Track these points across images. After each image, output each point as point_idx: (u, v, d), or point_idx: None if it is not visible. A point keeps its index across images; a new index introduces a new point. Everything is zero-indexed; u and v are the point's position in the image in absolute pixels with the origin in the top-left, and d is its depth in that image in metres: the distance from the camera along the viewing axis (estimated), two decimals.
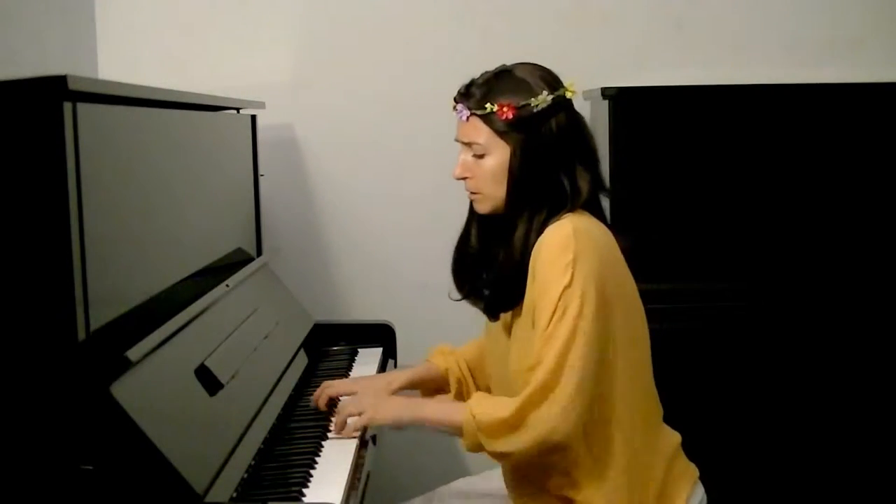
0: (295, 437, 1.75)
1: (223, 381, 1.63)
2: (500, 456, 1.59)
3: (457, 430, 1.61)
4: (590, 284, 1.54)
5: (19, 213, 1.26)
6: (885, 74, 2.65)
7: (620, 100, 2.43)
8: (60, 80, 1.21)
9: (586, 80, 2.40)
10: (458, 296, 1.81)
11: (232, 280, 1.95)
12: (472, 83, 1.68)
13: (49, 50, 2.33)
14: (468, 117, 1.66)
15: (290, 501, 1.48)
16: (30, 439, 1.30)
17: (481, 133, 1.65)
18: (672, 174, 2.47)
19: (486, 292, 1.74)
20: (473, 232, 1.78)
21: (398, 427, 1.73)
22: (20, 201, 1.26)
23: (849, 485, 2.43)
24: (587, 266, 1.54)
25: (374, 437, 1.86)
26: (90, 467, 1.29)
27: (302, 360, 2.17)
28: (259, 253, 2.38)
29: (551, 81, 1.66)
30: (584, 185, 1.64)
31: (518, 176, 1.63)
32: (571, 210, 1.63)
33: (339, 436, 1.73)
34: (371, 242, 2.75)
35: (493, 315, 1.73)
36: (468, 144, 1.67)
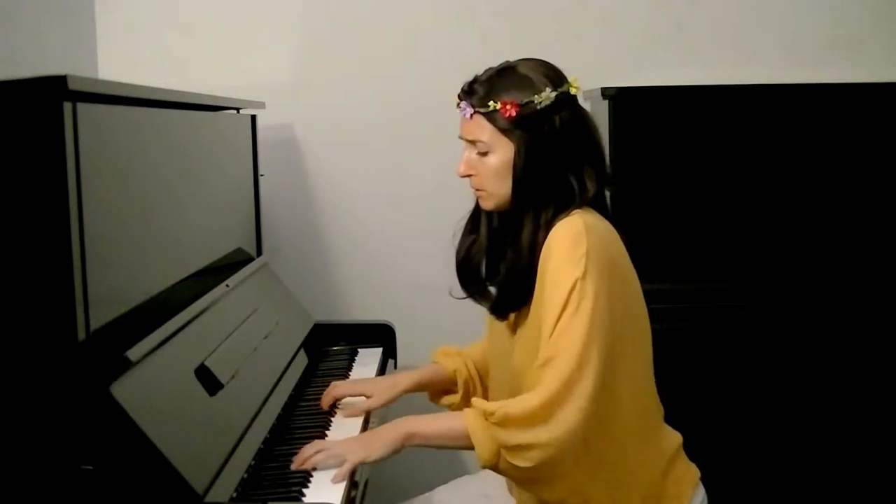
0: (295, 437, 1.75)
1: (223, 381, 1.63)
2: (517, 450, 1.50)
3: (461, 437, 1.54)
4: (602, 277, 1.53)
5: (19, 213, 1.26)
6: (885, 74, 2.65)
7: (620, 100, 2.43)
8: (60, 80, 1.21)
9: (586, 80, 2.36)
10: (461, 294, 1.80)
11: (232, 280, 1.95)
12: (475, 80, 1.67)
13: (49, 50, 2.33)
14: (471, 115, 1.65)
15: (290, 501, 1.47)
16: (30, 439, 1.30)
17: (485, 131, 1.64)
18: (672, 174, 2.47)
19: (494, 291, 1.73)
20: (480, 229, 1.77)
21: (397, 452, 1.60)
22: (20, 201, 1.26)
23: (850, 485, 2.43)
24: (598, 260, 1.53)
25: None
26: (90, 467, 1.28)
27: (302, 360, 2.17)
28: (259, 253, 2.38)
29: (555, 78, 1.64)
30: (590, 182, 1.63)
31: (522, 174, 1.62)
32: (578, 207, 1.61)
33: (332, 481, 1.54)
34: (371, 242, 2.75)
35: (501, 314, 1.71)
36: (472, 142, 1.67)
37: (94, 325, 1.31)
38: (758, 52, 2.70)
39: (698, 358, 2.37)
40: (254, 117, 2.36)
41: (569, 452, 1.53)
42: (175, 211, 1.73)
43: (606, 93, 2.42)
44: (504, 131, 1.62)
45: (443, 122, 2.64)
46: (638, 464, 1.64)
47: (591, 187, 1.63)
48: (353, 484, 1.56)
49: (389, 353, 2.38)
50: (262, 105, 2.39)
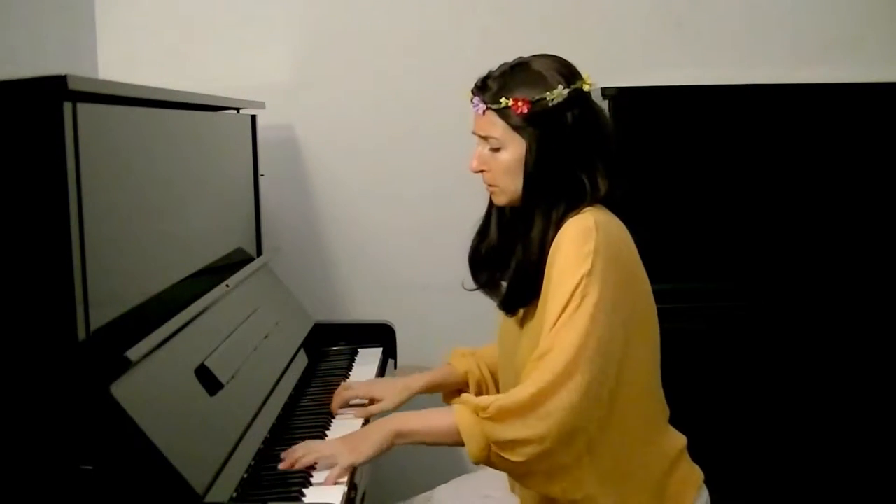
0: (295, 437, 1.75)
1: (223, 381, 1.63)
2: (508, 445, 1.51)
3: (450, 433, 1.54)
4: (609, 275, 1.53)
5: (19, 213, 1.26)
6: (885, 74, 2.65)
7: (620, 100, 2.43)
8: (60, 80, 1.21)
9: None
10: (472, 285, 1.80)
11: (232, 280, 1.95)
12: (488, 76, 1.67)
13: (49, 49, 2.33)
14: (484, 111, 1.65)
15: (290, 501, 1.47)
16: (30, 439, 1.30)
17: (497, 127, 1.64)
18: (672, 174, 2.47)
19: (504, 286, 1.73)
20: (492, 224, 1.77)
21: (387, 451, 1.59)
22: (20, 201, 1.26)
23: (853, 485, 2.43)
24: (607, 258, 1.53)
25: None
26: (90, 467, 1.28)
27: (302, 360, 2.17)
28: (259, 253, 2.38)
29: (568, 75, 1.63)
30: (601, 179, 1.62)
31: (533, 170, 1.62)
32: (589, 205, 1.61)
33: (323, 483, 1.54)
34: (371, 242, 2.75)
35: (510, 310, 1.71)
36: (484, 138, 1.66)
37: (94, 325, 1.31)
38: (758, 52, 2.70)
39: (699, 358, 2.36)
40: (254, 117, 2.36)
41: (561, 447, 1.51)
42: (175, 211, 1.73)
43: (606, 92, 2.42)
44: (516, 128, 1.62)
45: (443, 122, 2.65)
46: (642, 464, 1.63)
47: (602, 185, 1.62)
48: (352, 485, 1.56)
49: (389, 353, 2.38)
50: (262, 105, 2.39)
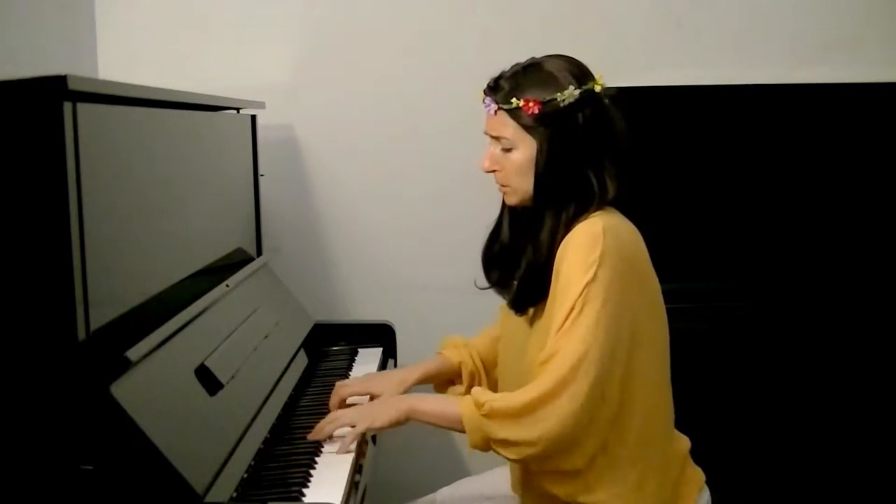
0: (295, 437, 1.75)
1: (223, 381, 1.63)
2: (503, 444, 1.55)
3: (456, 422, 1.59)
4: (614, 283, 1.53)
5: (19, 213, 1.26)
6: (885, 74, 2.65)
7: (620, 100, 2.42)
8: (60, 80, 1.21)
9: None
10: (485, 284, 1.81)
11: (232, 280, 1.95)
12: (500, 76, 1.67)
13: (49, 49, 2.33)
14: (496, 111, 1.65)
15: (290, 501, 1.47)
16: (30, 439, 1.30)
17: (508, 127, 1.64)
18: (673, 174, 2.47)
19: (514, 285, 1.73)
20: (505, 223, 1.78)
21: (399, 425, 1.69)
22: (20, 201, 1.26)
23: (854, 486, 2.43)
24: (613, 265, 1.54)
25: (374, 437, 1.86)
26: (90, 467, 1.29)
27: (302, 360, 2.17)
28: (259, 253, 2.38)
29: (579, 75, 1.64)
30: (611, 181, 1.63)
31: (544, 171, 1.62)
32: (599, 207, 1.62)
33: (335, 451, 1.67)
34: (371, 242, 2.75)
35: (519, 309, 1.72)
36: (496, 138, 1.67)
37: (94, 325, 1.31)
38: (758, 52, 2.70)
39: (700, 358, 2.36)
40: (254, 117, 2.36)
41: (560, 453, 1.54)
42: (175, 211, 1.73)
43: (606, 92, 2.41)
44: (527, 128, 1.63)
45: (443, 122, 2.65)
46: (649, 467, 1.63)
47: (612, 187, 1.63)
48: (353, 485, 1.56)
49: (389, 353, 2.38)
50: (262, 105, 2.39)
